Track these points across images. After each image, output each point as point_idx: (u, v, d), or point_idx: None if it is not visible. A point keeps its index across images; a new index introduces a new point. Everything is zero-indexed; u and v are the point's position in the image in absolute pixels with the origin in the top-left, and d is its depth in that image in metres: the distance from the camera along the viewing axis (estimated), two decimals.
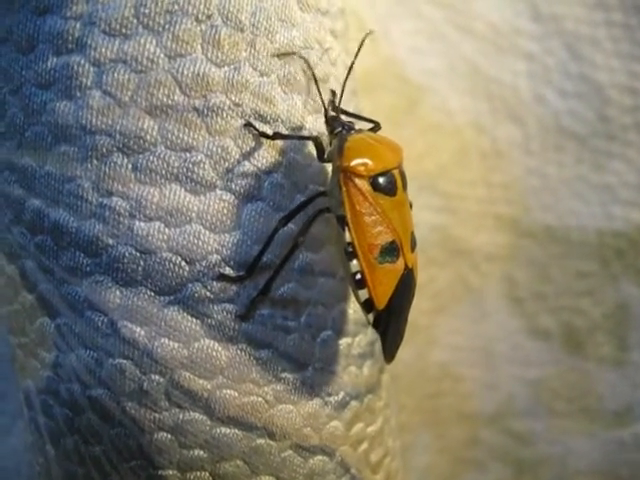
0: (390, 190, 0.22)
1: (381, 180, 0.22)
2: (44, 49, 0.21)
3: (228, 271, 0.21)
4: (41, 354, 0.23)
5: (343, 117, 0.23)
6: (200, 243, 0.21)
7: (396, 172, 0.22)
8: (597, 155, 0.36)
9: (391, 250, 0.22)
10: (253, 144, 0.21)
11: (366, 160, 0.21)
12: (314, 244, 0.22)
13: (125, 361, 0.21)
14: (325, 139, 0.23)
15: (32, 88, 0.21)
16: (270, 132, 0.21)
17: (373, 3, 0.36)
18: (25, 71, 0.21)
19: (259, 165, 0.21)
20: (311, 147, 0.22)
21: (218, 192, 0.21)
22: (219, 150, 0.21)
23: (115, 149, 0.21)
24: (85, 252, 0.21)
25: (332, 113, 0.23)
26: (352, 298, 0.24)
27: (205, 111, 0.21)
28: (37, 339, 0.23)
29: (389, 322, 0.22)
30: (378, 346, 0.26)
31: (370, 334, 0.25)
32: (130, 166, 0.21)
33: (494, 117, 0.36)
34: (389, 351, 0.23)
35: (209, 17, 0.21)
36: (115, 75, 0.20)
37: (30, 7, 0.21)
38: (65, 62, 0.21)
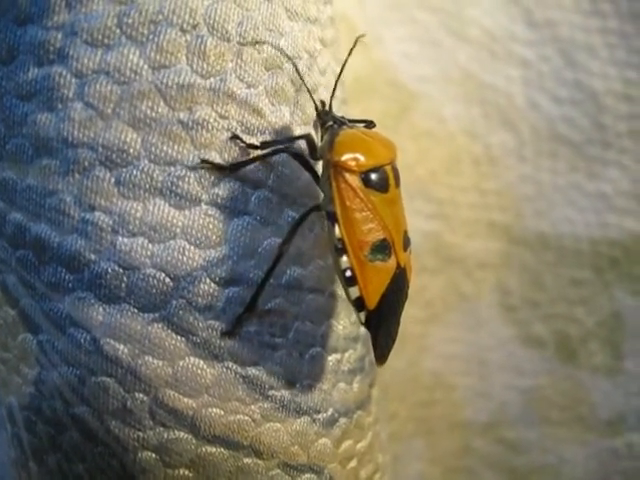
0: (382, 186, 0.21)
1: (373, 176, 0.21)
2: (25, 60, 0.20)
3: (213, 287, 0.21)
4: (23, 370, 0.22)
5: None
6: (185, 259, 0.20)
7: (388, 168, 0.21)
8: (591, 162, 0.36)
9: (382, 248, 0.21)
10: (239, 157, 0.21)
11: (357, 155, 0.21)
12: (302, 259, 0.22)
13: (108, 379, 0.21)
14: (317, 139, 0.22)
15: (13, 99, 0.21)
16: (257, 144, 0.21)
17: (365, 9, 0.35)
18: (5, 82, 0.21)
19: (245, 179, 0.21)
20: (300, 158, 0.22)
21: (203, 207, 0.21)
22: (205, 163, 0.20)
23: (97, 163, 0.20)
24: (67, 268, 0.21)
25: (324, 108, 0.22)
26: (341, 314, 0.23)
27: (190, 124, 0.20)
28: (19, 355, 0.22)
29: (380, 322, 0.22)
30: (368, 360, 0.25)
31: (360, 349, 0.24)
32: (113, 180, 0.20)
33: (487, 123, 0.36)
34: (381, 353, 0.22)
35: (195, 27, 0.20)
36: (97, 86, 0.20)
37: (10, 16, 0.20)
38: (46, 73, 0.20)
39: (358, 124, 0.23)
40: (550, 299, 0.37)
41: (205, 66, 0.20)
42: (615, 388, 0.37)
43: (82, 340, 0.21)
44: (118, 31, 0.20)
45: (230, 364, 0.21)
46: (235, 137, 0.21)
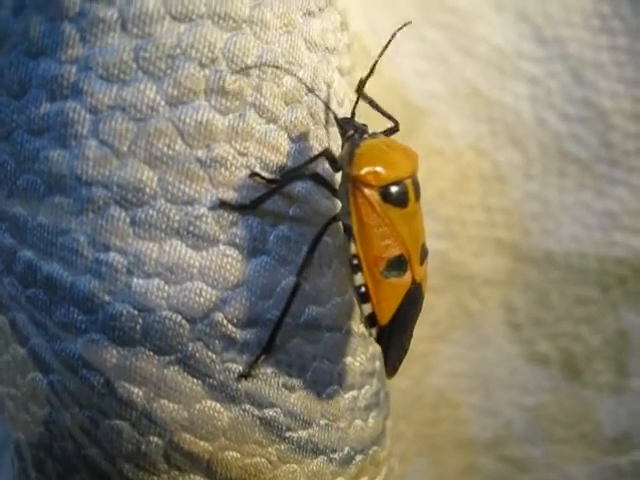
0: (401, 201, 0.21)
1: (392, 191, 0.20)
2: (37, 94, 0.20)
3: (231, 329, 0.20)
4: (33, 409, 0.22)
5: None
6: (202, 300, 0.20)
7: (409, 182, 0.21)
8: (599, 180, 0.35)
9: (398, 264, 0.21)
10: (258, 195, 0.20)
11: (377, 169, 0.20)
12: (320, 297, 0.21)
13: (122, 422, 0.20)
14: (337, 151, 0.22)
15: (24, 134, 0.20)
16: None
17: (375, 26, 0.35)
18: (17, 116, 0.20)
19: (264, 217, 0.20)
20: (318, 178, 0.21)
21: (221, 247, 0.20)
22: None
23: (112, 202, 0.19)
24: (80, 308, 0.20)
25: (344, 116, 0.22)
26: (358, 350, 0.23)
27: (208, 162, 0.20)
28: (29, 393, 0.22)
29: (392, 337, 0.21)
30: (383, 393, 0.25)
31: (375, 384, 0.24)
32: (128, 220, 0.19)
33: (495, 141, 0.36)
34: (391, 366, 0.22)
35: (213, 61, 0.20)
36: (113, 123, 0.19)
37: (22, 48, 0.20)
38: (60, 108, 0.19)
39: (379, 134, 0.22)
40: (556, 317, 0.36)
41: (224, 102, 0.20)
42: (620, 406, 0.37)
43: (95, 382, 0.20)
44: (134, 66, 0.19)
45: (247, 406, 0.21)
46: (254, 174, 0.20)
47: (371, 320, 0.21)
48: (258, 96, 0.20)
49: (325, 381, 0.22)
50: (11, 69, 0.20)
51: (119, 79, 0.19)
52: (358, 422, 0.23)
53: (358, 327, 0.23)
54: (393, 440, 0.28)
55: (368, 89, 0.31)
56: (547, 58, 0.35)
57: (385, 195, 0.20)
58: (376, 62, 0.22)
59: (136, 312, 0.20)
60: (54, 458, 0.22)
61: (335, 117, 0.22)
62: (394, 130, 0.23)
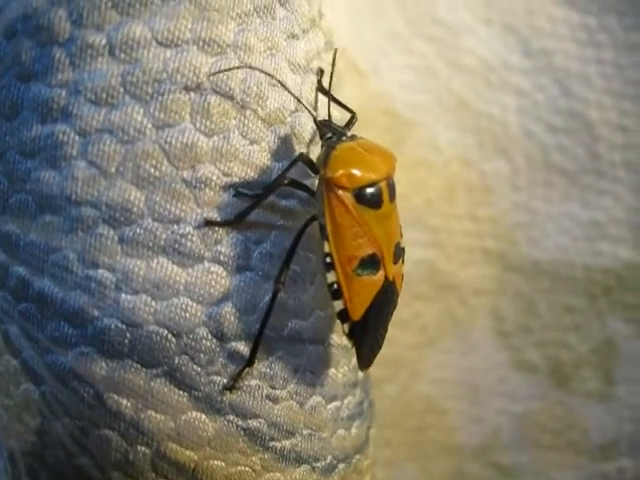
0: (375, 203, 0.21)
1: (366, 193, 0.21)
2: (28, 116, 0.20)
3: (215, 343, 0.21)
4: (25, 419, 0.22)
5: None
6: (188, 316, 0.21)
7: (383, 184, 0.21)
8: (586, 191, 0.36)
9: (371, 263, 0.21)
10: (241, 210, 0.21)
11: (351, 171, 0.21)
12: (303, 311, 0.22)
13: (111, 432, 0.21)
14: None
15: (16, 155, 0.21)
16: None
17: (363, 38, 0.35)
18: (9, 137, 0.21)
19: (248, 234, 0.21)
20: (298, 185, 0.22)
21: (206, 264, 0.21)
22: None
23: (101, 221, 0.20)
24: (70, 323, 0.21)
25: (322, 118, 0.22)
26: (341, 361, 0.24)
27: (193, 182, 0.20)
28: (21, 403, 0.22)
29: (365, 332, 0.22)
30: (367, 403, 0.26)
31: (359, 394, 0.25)
32: (116, 238, 0.20)
33: (482, 152, 0.36)
34: (365, 360, 0.23)
35: (198, 85, 0.20)
36: (101, 145, 0.20)
37: (13, 72, 0.20)
38: (50, 131, 0.20)
39: (358, 137, 0.22)
40: (543, 325, 0.37)
41: (209, 124, 0.20)
42: (607, 414, 0.37)
43: (85, 394, 0.21)
44: (122, 90, 0.20)
45: (231, 417, 0.21)
46: (239, 194, 0.21)
47: (343, 316, 0.21)
48: (242, 118, 0.21)
49: (308, 392, 0.23)
50: (3, 92, 0.21)
51: (107, 103, 0.20)
52: (341, 432, 0.24)
53: (341, 339, 0.23)
54: (379, 447, 0.29)
55: (353, 103, 0.31)
56: (534, 70, 0.36)
57: (359, 197, 0.21)
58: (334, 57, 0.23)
59: (124, 327, 0.20)
60: (46, 466, 0.22)
61: (314, 120, 0.22)
62: (353, 121, 0.23)
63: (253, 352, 0.21)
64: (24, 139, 0.20)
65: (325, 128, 0.22)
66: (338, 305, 0.21)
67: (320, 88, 0.23)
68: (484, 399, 0.38)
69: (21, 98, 0.20)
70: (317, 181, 0.22)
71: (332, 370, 0.23)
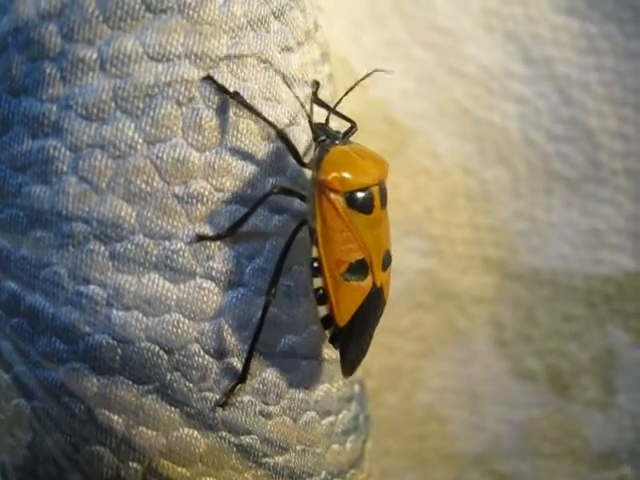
0: (366, 208, 0.21)
1: (357, 197, 0.21)
2: (19, 131, 0.20)
3: (207, 359, 0.21)
4: (17, 433, 0.22)
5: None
6: (179, 332, 0.20)
7: (375, 189, 0.21)
8: (586, 199, 0.36)
9: (359, 268, 0.21)
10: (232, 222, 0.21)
11: (343, 174, 0.21)
12: (297, 326, 0.22)
13: (102, 448, 0.21)
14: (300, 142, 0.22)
15: (7, 170, 0.21)
16: (254, 217, 0.21)
17: (362, 46, 0.35)
18: (0, 152, 0.21)
19: (241, 250, 0.21)
20: (288, 192, 0.21)
21: (198, 280, 0.21)
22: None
23: (92, 237, 0.20)
24: (61, 338, 0.21)
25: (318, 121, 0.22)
26: (336, 376, 0.23)
27: (185, 197, 0.20)
28: (13, 418, 0.22)
29: (350, 339, 0.22)
30: (363, 417, 0.25)
31: (354, 409, 0.24)
32: (107, 254, 0.20)
33: (483, 159, 0.36)
34: (348, 367, 0.22)
35: (190, 100, 0.20)
36: (92, 161, 0.20)
37: (4, 86, 0.20)
38: (41, 146, 0.20)
39: (351, 141, 0.22)
40: (543, 334, 0.37)
41: (201, 139, 0.20)
42: (608, 422, 0.37)
43: (76, 410, 0.21)
44: (113, 105, 0.20)
45: (224, 433, 0.21)
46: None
47: (326, 322, 0.21)
48: (235, 132, 0.21)
49: (302, 408, 0.22)
50: None
51: (98, 118, 0.20)
52: (335, 447, 0.23)
53: (335, 353, 0.23)
54: (379, 456, 0.29)
55: (354, 110, 0.31)
56: (535, 78, 0.35)
57: (350, 201, 0.21)
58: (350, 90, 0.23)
59: (115, 343, 0.20)
60: None
61: (309, 122, 0.22)
62: (352, 130, 0.23)
63: (245, 368, 0.21)
64: (15, 153, 0.20)
65: (320, 131, 0.22)
66: (322, 310, 0.21)
67: (316, 100, 0.23)
68: (484, 407, 0.38)
69: (12, 112, 0.20)
70: (309, 184, 0.22)
71: (326, 385, 0.23)
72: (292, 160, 0.22)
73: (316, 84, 0.23)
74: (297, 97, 0.22)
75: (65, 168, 0.20)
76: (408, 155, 0.36)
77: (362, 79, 0.23)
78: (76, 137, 0.20)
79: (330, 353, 0.23)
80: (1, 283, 0.21)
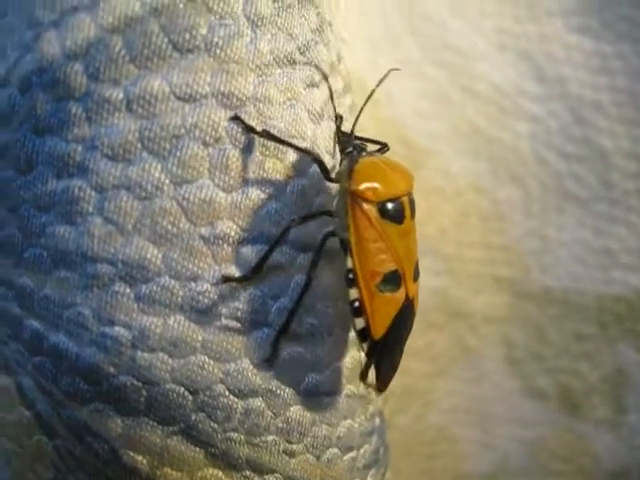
0: (398, 218, 0.21)
1: (389, 207, 0.21)
2: (44, 171, 0.20)
3: (232, 400, 0.21)
4: (39, 469, 0.22)
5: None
6: (205, 373, 0.20)
7: (405, 199, 0.21)
8: (598, 219, 0.36)
9: (393, 279, 0.21)
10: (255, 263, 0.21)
11: (375, 185, 0.21)
12: (320, 365, 0.22)
13: None
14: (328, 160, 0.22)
15: (31, 209, 0.20)
16: (279, 255, 0.21)
17: (376, 65, 0.35)
18: (23, 191, 0.20)
19: (265, 290, 0.21)
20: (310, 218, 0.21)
21: (224, 321, 0.20)
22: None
23: (117, 278, 0.20)
24: (85, 379, 0.20)
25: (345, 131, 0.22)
26: (358, 410, 0.23)
27: (212, 238, 0.20)
28: (34, 454, 0.22)
29: (384, 352, 0.22)
30: (383, 450, 0.25)
31: (375, 442, 0.24)
32: (133, 296, 0.20)
33: (495, 178, 0.36)
34: (383, 381, 0.22)
35: (217, 140, 0.20)
36: (118, 202, 0.20)
37: (29, 126, 0.20)
38: (66, 186, 0.20)
39: (376, 153, 0.23)
40: (554, 353, 0.37)
41: (227, 180, 0.20)
42: (618, 441, 0.37)
43: (100, 450, 0.21)
44: (139, 145, 0.20)
45: (248, 473, 0.21)
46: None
47: (363, 335, 0.21)
48: (261, 172, 0.21)
49: (324, 445, 0.22)
50: (17, 145, 0.20)
51: (124, 158, 0.20)
52: None
53: (357, 389, 0.23)
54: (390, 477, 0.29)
55: (368, 130, 0.31)
56: (547, 97, 0.35)
57: (383, 211, 0.21)
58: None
59: (140, 384, 0.20)
60: None
61: (337, 130, 0.22)
62: (384, 150, 0.24)
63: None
64: (39, 193, 0.20)
65: (347, 142, 0.22)
66: (360, 323, 0.21)
67: (340, 133, 0.23)
68: (495, 426, 0.38)
69: (36, 152, 0.20)
70: (338, 196, 0.22)
71: (348, 420, 0.23)
72: (317, 198, 0.22)
73: (339, 118, 0.23)
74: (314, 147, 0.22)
75: (90, 209, 0.20)
76: (422, 175, 0.36)
77: (370, 95, 0.23)
78: (102, 178, 0.20)
79: (352, 388, 0.23)
80: (24, 321, 0.21)
